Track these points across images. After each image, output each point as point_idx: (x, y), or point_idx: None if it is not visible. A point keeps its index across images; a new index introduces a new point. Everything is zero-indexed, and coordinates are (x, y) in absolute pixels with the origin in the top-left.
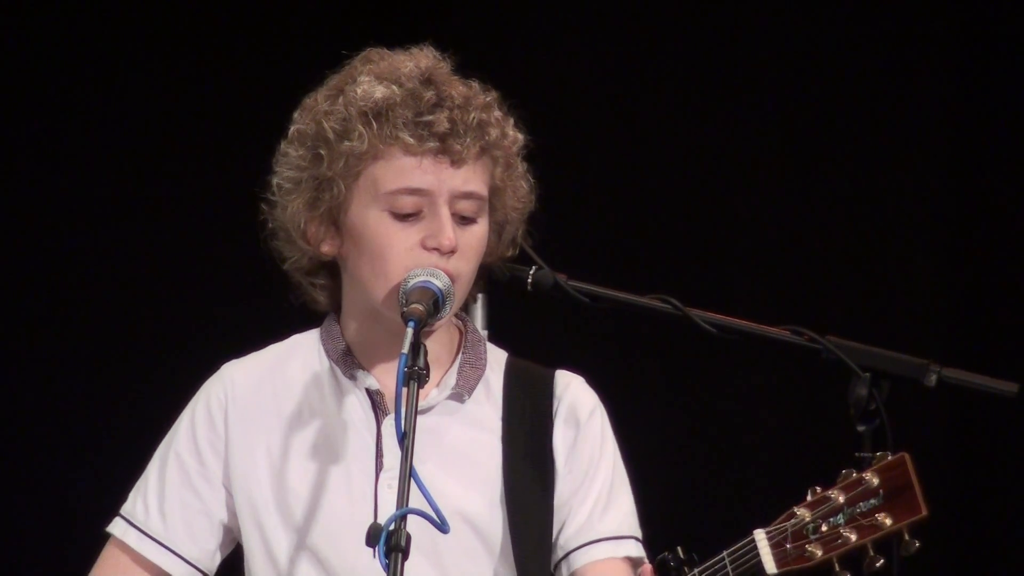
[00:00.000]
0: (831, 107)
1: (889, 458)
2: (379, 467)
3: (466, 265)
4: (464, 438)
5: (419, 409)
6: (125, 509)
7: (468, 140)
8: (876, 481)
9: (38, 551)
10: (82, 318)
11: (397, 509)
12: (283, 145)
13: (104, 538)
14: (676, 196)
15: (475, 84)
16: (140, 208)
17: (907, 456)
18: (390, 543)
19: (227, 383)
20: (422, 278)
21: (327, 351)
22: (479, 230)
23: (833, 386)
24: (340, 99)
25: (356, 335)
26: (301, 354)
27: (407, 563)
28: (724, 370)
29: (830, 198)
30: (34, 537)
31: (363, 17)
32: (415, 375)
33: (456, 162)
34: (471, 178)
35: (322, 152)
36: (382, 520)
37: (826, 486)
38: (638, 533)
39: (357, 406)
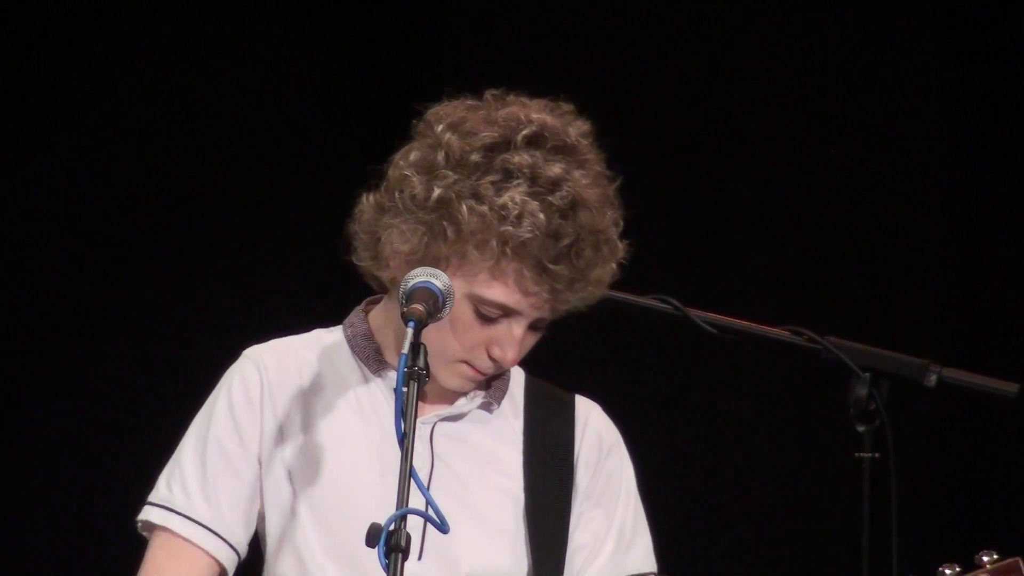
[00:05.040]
0: (831, 107)
1: (998, 559)
2: None
3: (517, 359)
4: (492, 447)
5: (450, 416)
6: (159, 497)
7: (576, 294)
8: None
9: (46, 547)
10: (86, 320)
11: (397, 509)
12: (409, 169)
13: (129, 533)
14: (676, 196)
15: (608, 201)
16: (146, 207)
17: (1021, 561)
18: (390, 543)
19: (259, 365)
20: (422, 278)
21: (353, 348)
22: (542, 331)
23: (833, 386)
24: (486, 183)
25: (390, 342)
26: (326, 349)
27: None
28: (724, 370)
29: (830, 198)
30: (43, 533)
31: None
32: (415, 375)
33: (555, 309)
34: (560, 309)
35: (448, 232)
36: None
37: None
38: (656, 568)
39: (385, 405)
